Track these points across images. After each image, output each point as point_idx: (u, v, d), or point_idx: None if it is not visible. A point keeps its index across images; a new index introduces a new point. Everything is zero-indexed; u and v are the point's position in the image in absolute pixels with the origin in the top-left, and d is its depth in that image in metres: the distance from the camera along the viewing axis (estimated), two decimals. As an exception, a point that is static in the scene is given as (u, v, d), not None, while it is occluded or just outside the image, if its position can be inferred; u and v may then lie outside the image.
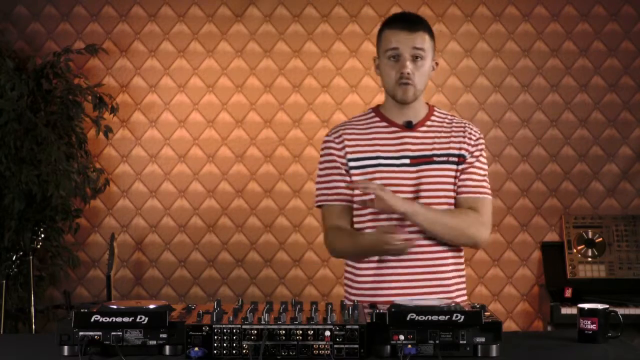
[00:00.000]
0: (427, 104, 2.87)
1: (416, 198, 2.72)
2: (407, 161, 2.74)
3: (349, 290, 2.86)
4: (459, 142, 2.79)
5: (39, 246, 4.17)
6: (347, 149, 2.78)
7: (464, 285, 2.87)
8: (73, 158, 4.43)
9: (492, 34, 4.66)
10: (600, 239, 4.53)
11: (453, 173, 2.77)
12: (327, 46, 4.65)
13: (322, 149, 2.84)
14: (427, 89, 4.60)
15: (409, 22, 2.72)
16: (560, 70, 4.66)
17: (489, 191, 2.83)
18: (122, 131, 4.66)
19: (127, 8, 4.66)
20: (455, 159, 2.77)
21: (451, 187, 2.77)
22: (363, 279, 2.80)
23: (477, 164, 2.81)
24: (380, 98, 4.61)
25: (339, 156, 2.79)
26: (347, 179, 2.78)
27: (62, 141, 4.38)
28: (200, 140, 4.66)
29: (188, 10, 4.66)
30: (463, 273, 2.87)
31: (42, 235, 4.17)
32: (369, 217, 2.76)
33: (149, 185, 4.67)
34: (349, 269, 2.88)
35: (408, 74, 2.68)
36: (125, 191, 4.67)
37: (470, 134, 2.81)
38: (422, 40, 2.70)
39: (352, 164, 2.77)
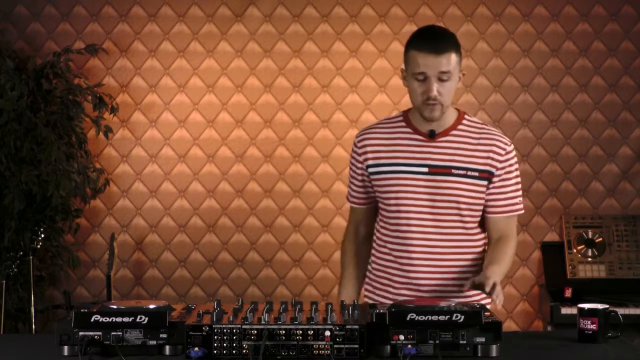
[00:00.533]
0: (459, 110, 2.85)
1: (430, 207, 2.76)
2: (426, 170, 2.75)
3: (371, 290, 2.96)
4: (485, 158, 2.76)
5: (39, 246, 4.17)
6: (368, 155, 2.84)
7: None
8: (73, 158, 4.43)
9: (492, 34, 4.66)
10: (600, 239, 4.53)
11: (473, 187, 2.76)
12: (327, 46, 4.65)
13: (352, 149, 2.92)
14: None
15: (436, 42, 2.69)
16: (560, 70, 4.66)
17: (520, 205, 2.85)
18: (122, 131, 4.66)
19: (127, 8, 4.66)
20: (477, 174, 2.75)
21: (468, 200, 2.76)
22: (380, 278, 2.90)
23: (507, 180, 2.79)
24: (380, 98, 4.61)
25: (359, 161, 2.87)
26: (362, 183, 2.89)
27: (62, 141, 4.38)
28: (200, 140, 4.67)
29: (188, 10, 4.66)
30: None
31: (42, 235, 4.17)
32: (394, 221, 2.83)
33: (149, 185, 4.67)
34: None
35: (435, 96, 2.69)
36: (125, 191, 4.67)
37: (498, 147, 2.78)
38: (448, 62, 2.68)
39: (371, 169, 2.84)
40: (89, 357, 2.23)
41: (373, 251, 2.95)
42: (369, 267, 2.98)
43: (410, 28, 4.60)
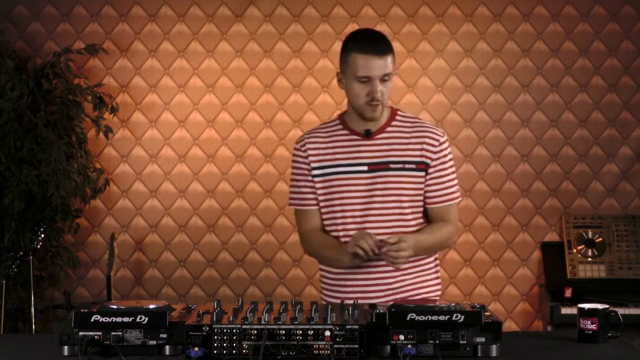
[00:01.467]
0: (392, 107, 2.95)
1: (370, 203, 2.84)
2: (365, 168, 2.85)
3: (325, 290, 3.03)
4: (419, 150, 2.86)
5: (39, 246, 4.17)
6: (311, 158, 2.93)
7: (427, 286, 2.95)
8: (73, 158, 4.43)
9: (492, 34, 4.66)
10: (600, 239, 4.53)
11: (411, 179, 2.85)
12: (327, 46, 4.65)
13: (293, 155, 3.01)
14: (427, 90, 4.63)
15: (377, 45, 2.79)
16: (560, 70, 4.66)
17: (457, 194, 2.94)
18: (122, 131, 4.66)
19: (127, 8, 4.66)
20: (414, 166, 2.85)
21: (407, 192, 2.85)
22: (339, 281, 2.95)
23: (442, 170, 2.88)
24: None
25: (305, 163, 2.95)
26: (313, 184, 2.93)
27: (62, 141, 4.38)
28: (200, 140, 4.67)
29: (188, 10, 4.66)
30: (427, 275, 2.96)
31: (42, 235, 4.17)
32: (340, 221, 2.89)
33: (149, 185, 4.67)
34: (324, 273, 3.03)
35: (379, 97, 2.79)
36: (125, 191, 4.67)
37: (432, 139, 2.87)
38: (390, 63, 2.79)
39: (315, 172, 2.92)
40: (89, 357, 2.23)
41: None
42: (323, 274, 3.02)
43: (410, 28, 4.61)
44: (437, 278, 2.99)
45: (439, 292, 2.99)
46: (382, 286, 2.86)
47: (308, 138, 2.97)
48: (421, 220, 2.92)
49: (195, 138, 4.66)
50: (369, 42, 2.81)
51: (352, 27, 4.63)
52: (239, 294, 4.64)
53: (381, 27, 4.61)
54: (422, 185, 2.87)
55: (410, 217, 2.88)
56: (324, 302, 2.98)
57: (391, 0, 4.63)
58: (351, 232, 2.85)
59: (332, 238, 2.93)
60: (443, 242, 2.93)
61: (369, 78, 2.78)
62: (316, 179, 2.92)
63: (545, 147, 4.67)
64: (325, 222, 2.94)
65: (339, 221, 2.89)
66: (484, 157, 4.67)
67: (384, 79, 2.79)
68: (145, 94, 4.66)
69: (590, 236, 4.54)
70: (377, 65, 2.77)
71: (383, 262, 2.81)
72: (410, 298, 2.84)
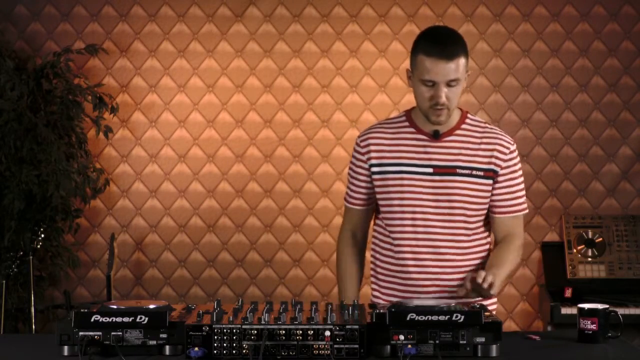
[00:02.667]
0: (461, 109, 2.84)
1: (435, 207, 2.75)
2: (431, 170, 2.75)
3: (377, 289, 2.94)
4: (489, 157, 2.76)
5: (39, 246, 4.17)
6: (372, 154, 2.82)
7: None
8: (73, 158, 4.43)
9: (492, 34, 4.66)
10: (600, 239, 4.53)
11: (478, 187, 2.76)
12: (327, 46, 4.65)
13: (353, 150, 2.90)
14: (427, 89, 4.62)
15: (446, 48, 2.65)
16: (560, 70, 4.66)
17: (525, 205, 2.86)
18: (122, 131, 4.66)
19: (127, 8, 4.65)
20: (482, 173, 2.75)
21: (473, 199, 2.76)
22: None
23: (511, 179, 2.80)
24: (380, 98, 4.61)
25: (362, 161, 2.84)
26: (365, 184, 2.86)
27: (62, 141, 4.38)
28: (200, 140, 4.66)
29: (188, 10, 4.66)
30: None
31: (42, 235, 4.17)
32: (397, 222, 2.81)
33: (149, 185, 4.67)
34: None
35: (444, 102, 2.68)
36: (125, 191, 4.67)
37: (502, 146, 2.78)
38: (457, 68, 2.66)
39: (374, 169, 2.82)
40: (89, 357, 2.23)
41: (375, 254, 2.93)
42: (373, 270, 2.95)
43: (411, 28, 4.61)
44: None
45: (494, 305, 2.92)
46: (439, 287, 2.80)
47: (371, 133, 2.84)
48: (483, 229, 2.84)
49: (195, 138, 4.66)
50: (437, 44, 2.66)
51: (352, 27, 4.63)
52: (239, 294, 4.64)
53: (381, 27, 4.61)
54: (488, 194, 2.78)
55: (473, 225, 2.80)
56: (379, 302, 2.88)
57: (391, 0, 4.63)
58: (408, 235, 2.77)
59: (354, 266, 2.93)
60: (517, 263, 2.87)
61: (434, 82, 2.66)
62: (375, 177, 2.81)
63: (545, 147, 4.67)
64: (385, 221, 2.83)
65: (396, 222, 2.80)
66: (484, 157, 4.66)
67: (450, 84, 2.66)
68: (145, 94, 4.66)
69: (590, 236, 4.54)
70: (443, 70, 2.64)
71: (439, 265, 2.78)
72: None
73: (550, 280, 4.51)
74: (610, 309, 2.46)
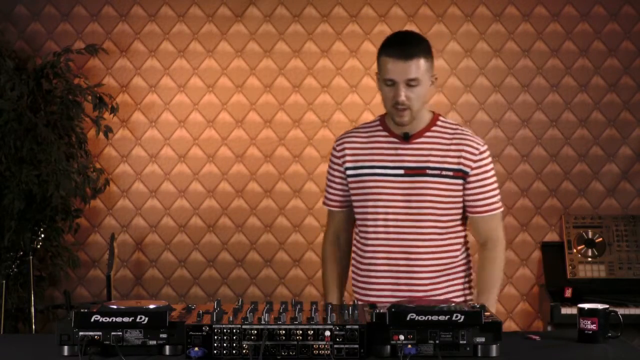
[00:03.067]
0: (433, 112, 2.92)
1: (406, 207, 2.82)
2: (402, 172, 2.83)
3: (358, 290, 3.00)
4: (458, 157, 2.83)
5: (39, 246, 4.17)
6: (347, 158, 2.91)
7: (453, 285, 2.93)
8: (73, 158, 4.43)
9: (492, 34, 4.66)
10: (600, 239, 4.53)
11: (447, 187, 2.83)
12: (327, 46, 4.65)
13: (330, 154, 3.00)
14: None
15: (404, 49, 2.76)
16: (560, 70, 4.66)
17: (499, 203, 2.93)
18: (122, 131, 4.66)
19: (127, 8, 4.65)
20: (451, 173, 2.82)
21: (443, 199, 2.83)
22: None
23: (484, 180, 2.87)
24: (380, 98, 4.60)
25: (338, 164, 2.94)
26: (341, 186, 2.96)
27: (62, 141, 4.38)
28: (200, 140, 4.66)
29: (188, 10, 4.66)
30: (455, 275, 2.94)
31: (42, 235, 4.17)
32: (371, 223, 2.88)
33: (149, 185, 4.67)
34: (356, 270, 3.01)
35: (403, 101, 2.76)
36: (125, 191, 4.67)
37: (471, 147, 2.84)
38: (417, 68, 2.75)
39: (349, 172, 2.91)
40: (89, 357, 2.23)
41: (355, 256, 2.99)
42: (354, 271, 3.01)
43: (410, 28, 4.60)
44: (468, 284, 2.97)
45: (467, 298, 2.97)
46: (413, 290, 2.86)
47: (346, 138, 2.95)
48: (456, 229, 2.90)
49: (195, 138, 4.66)
50: (396, 45, 2.78)
51: (352, 27, 4.64)
52: (239, 294, 4.64)
53: (381, 27, 4.61)
54: (459, 194, 2.85)
55: (445, 224, 2.85)
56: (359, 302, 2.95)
57: (391, 0, 4.63)
58: (381, 235, 2.85)
59: (336, 270, 3.02)
60: (501, 273, 2.93)
61: (394, 81, 2.76)
62: (350, 179, 2.91)
63: (545, 147, 4.67)
64: (358, 223, 2.94)
65: (370, 223, 2.88)
66: (484, 157, 4.66)
67: (409, 83, 2.75)
68: (145, 94, 4.66)
69: (590, 236, 4.54)
70: (401, 69, 2.74)
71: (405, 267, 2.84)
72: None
73: (550, 280, 4.51)
74: (610, 309, 2.46)
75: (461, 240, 2.93)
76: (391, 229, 2.84)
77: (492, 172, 2.91)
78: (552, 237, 4.67)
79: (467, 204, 2.88)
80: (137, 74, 4.65)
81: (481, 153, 2.86)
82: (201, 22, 4.65)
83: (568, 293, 4.31)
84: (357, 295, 2.98)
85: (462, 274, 2.94)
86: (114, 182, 4.66)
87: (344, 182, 2.94)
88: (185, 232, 4.67)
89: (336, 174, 2.96)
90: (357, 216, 2.93)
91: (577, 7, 4.65)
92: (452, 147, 2.84)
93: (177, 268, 4.68)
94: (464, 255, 2.95)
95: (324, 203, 3.06)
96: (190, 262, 4.67)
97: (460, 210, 2.89)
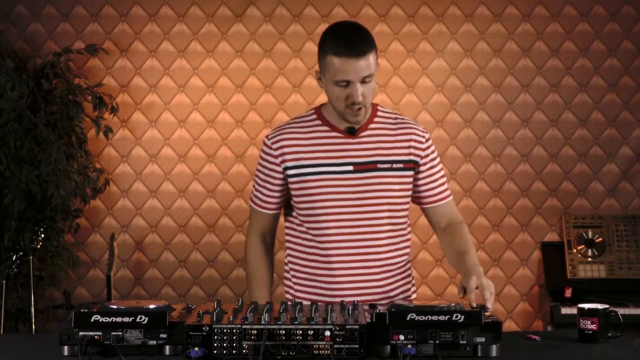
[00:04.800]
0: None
1: (359, 205, 2.70)
2: (351, 168, 2.69)
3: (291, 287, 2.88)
4: (407, 147, 2.74)
5: (39, 246, 4.17)
6: (286, 156, 2.72)
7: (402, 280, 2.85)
8: (73, 158, 4.43)
9: (492, 34, 4.66)
10: (600, 239, 4.53)
11: (400, 179, 2.73)
12: (327, 46, 4.64)
13: (261, 151, 2.79)
14: (427, 89, 4.63)
15: (355, 45, 2.57)
16: (560, 70, 4.66)
17: (448, 191, 2.85)
18: (122, 131, 4.66)
19: (127, 8, 4.66)
20: (402, 165, 2.72)
21: (398, 193, 2.73)
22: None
23: (434, 168, 2.80)
24: (380, 98, 4.61)
25: (275, 164, 2.75)
26: (279, 187, 2.77)
27: (62, 141, 4.38)
28: (200, 140, 4.67)
29: (188, 10, 4.66)
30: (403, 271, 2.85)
31: (42, 235, 4.16)
32: (323, 225, 2.73)
33: (149, 185, 4.67)
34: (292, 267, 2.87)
35: (361, 101, 2.61)
36: (125, 191, 4.67)
37: (418, 136, 2.76)
38: (370, 64, 2.58)
39: (290, 172, 2.73)
40: (89, 357, 2.23)
41: (293, 257, 2.84)
42: (290, 273, 2.87)
43: (411, 28, 4.61)
44: (409, 277, 2.87)
45: (410, 294, 2.87)
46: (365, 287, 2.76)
47: (283, 134, 2.73)
48: (406, 224, 2.81)
49: (195, 138, 4.66)
50: (346, 42, 2.57)
51: (352, 27, 4.63)
52: (239, 294, 4.64)
53: (381, 27, 4.61)
54: (410, 186, 2.76)
55: (399, 220, 2.77)
56: (291, 300, 2.85)
57: (391, 0, 4.63)
58: (333, 237, 2.71)
59: (264, 270, 2.85)
60: (470, 238, 2.83)
61: (348, 82, 2.58)
62: (292, 179, 2.72)
63: (545, 147, 4.67)
64: (306, 225, 2.76)
65: (322, 225, 2.72)
66: (484, 157, 4.67)
67: (364, 80, 2.59)
68: (145, 94, 4.66)
69: (590, 236, 4.54)
70: (356, 68, 2.56)
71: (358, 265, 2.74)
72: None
73: (550, 280, 4.51)
74: (610, 309, 2.46)
75: (410, 236, 2.85)
76: (345, 229, 2.70)
77: (439, 159, 2.81)
78: (552, 237, 4.67)
79: (421, 194, 2.78)
80: (137, 74, 4.66)
81: (427, 140, 2.77)
82: (201, 22, 4.65)
83: (568, 293, 4.31)
84: (300, 295, 2.82)
85: (410, 270, 2.88)
86: (114, 182, 4.66)
87: (281, 182, 2.75)
88: (185, 232, 4.67)
89: (272, 174, 2.75)
90: (302, 217, 2.75)
91: (577, 7, 4.66)
92: (399, 137, 2.73)
93: (177, 268, 4.68)
94: (409, 249, 2.86)
95: (253, 202, 2.83)
96: (190, 262, 4.67)
97: (409, 204, 2.79)
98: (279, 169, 2.74)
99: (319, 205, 2.71)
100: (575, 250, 4.51)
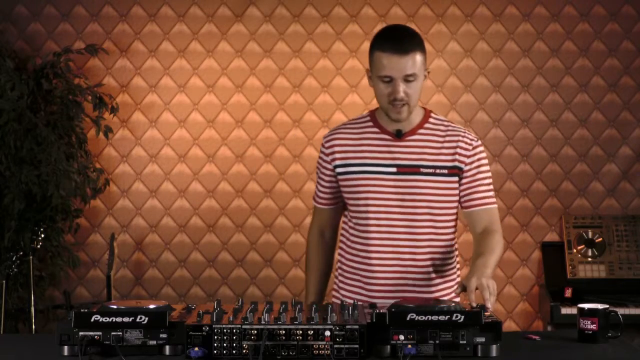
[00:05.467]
0: (425, 108, 2.86)
1: (400, 207, 2.76)
2: (394, 170, 2.76)
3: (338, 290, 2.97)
4: (452, 154, 2.77)
5: (39, 246, 4.17)
6: (336, 155, 2.84)
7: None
8: (73, 158, 4.43)
9: (492, 34, 4.66)
10: (600, 239, 4.53)
11: (443, 185, 2.77)
12: (327, 46, 4.65)
13: (320, 151, 2.92)
14: (427, 89, 4.62)
15: (401, 44, 2.68)
16: (560, 70, 4.67)
17: (493, 199, 2.85)
18: (122, 131, 4.66)
19: (127, 8, 4.65)
20: (446, 171, 2.76)
21: (438, 197, 2.77)
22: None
23: (479, 174, 2.80)
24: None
25: (327, 162, 2.87)
26: (331, 184, 2.89)
27: (62, 141, 4.38)
28: (200, 140, 4.67)
29: (188, 10, 4.66)
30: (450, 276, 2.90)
31: (42, 235, 4.16)
32: (363, 222, 2.83)
33: (149, 185, 4.67)
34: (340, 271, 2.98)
35: (402, 97, 2.68)
36: (125, 191, 4.67)
37: (465, 143, 2.78)
38: (414, 63, 2.67)
39: (339, 170, 2.84)
40: (89, 357, 2.23)
41: (342, 252, 2.95)
42: (338, 270, 2.98)
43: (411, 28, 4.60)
44: (449, 282, 2.90)
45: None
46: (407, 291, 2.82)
47: (336, 134, 2.86)
48: (450, 229, 2.85)
49: (195, 138, 4.67)
50: (392, 40, 2.70)
51: (352, 27, 4.64)
52: (239, 294, 4.64)
53: (381, 27, 4.60)
54: (454, 192, 2.79)
55: (441, 224, 2.80)
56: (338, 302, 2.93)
57: (391, 0, 4.63)
58: (373, 234, 2.79)
59: (319, 265, 3.00)
60: (501, 247, 2.82)
61: (391, 78, 2.67)
62: (340, 177, 2.83)
63: (545, 147, 4.67)
64: (354, 221, 2.86)
65: (362, 222, 2.82)
66: (484, 157, 4.66)
67: (407, 79, 2.67)
68: (145, 94, 4.66)
69: (590, 236, 4.54)
70: (399, 64, 2.66)
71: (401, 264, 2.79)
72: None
73: (550, 280, 4.51)
74: (610, 309, 2.46)
75: (454, 241, 2.89)
76: (383, 228, 2.78)
77: (487, 168, 2.83)
78: (552, 237, 4.67)
79: (463, 198, 2.81)
80: (137, 74, 4.66)
81: (475, 148, 2.79)
82: (201, 22, 4.65)
83: (568, 293, 4.31)
84: (337, 295, 2.93)
85: (454, 276, 2.90)
86: (114, 182, 4.66)
87: (333, 179, 2.87)
88: (185, 232, 4.67)
89: (325, 171, 2.88)
90: (351, 214, 2.86)
91: (577, 7, 4.66)
92: (446, 144, 2.78)
93: (177, 268, 4.68)
94: (455, 255, 2.91)
95: (313, 199, 3.00)
96: (190, 262, 4.67)
97: (455, 210, 2.84)
98: (330, 166, 2.86)
99: (362, 203, 2.80)
100: (575, 250, 4.51)
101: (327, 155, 2.86)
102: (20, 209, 4.22)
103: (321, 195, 2.94)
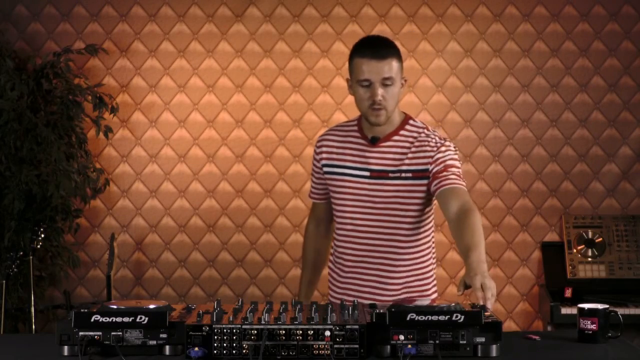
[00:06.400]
0: (406, 115, 2.96)
1: (367, 208, 2.89)
2: (368, 174, 2.90)
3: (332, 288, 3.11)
4: (418, 158, 2.86)
5: (39, 246, 4.17)
6: (323, 155, 3.01)
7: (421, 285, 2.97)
8: (73, 158, 4.43)
9: (492, 34, 4.66)
10: (600, 239, 4.53)
11: (409, 188, 2.86)
12: (327, 46, 4.65)
13: (314, 149, 3.10)
14: (427, 90, 4.63)
15: (378, 49, 2.83)
16: (560, 70, 4.67)
17: (463, 183, 2.82)
18: (122, 131, 4.66)
19: (127, 8, 4.66)
20: (410, 174, 2.85)
21: (406, 200, 2.87)
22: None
23: (447, 167, 2.81)
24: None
25: (317, 160, 3.05)
26: (321, 181, 3.06)
27: (62, 141, 4.38)
28: (200, 140, 4.67)
29: (188, 10, 4.66)
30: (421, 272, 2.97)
31: (42, 235, 4.17)
32: (339, 220, 2.99)
33: (149, 185, 4.67)
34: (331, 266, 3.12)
35: (380, 100, 2.80)
36: (125, 191, 4.67)
37: (430, 146, 2.85)
38: (390, 68, 2.80)
39: (325, 169, 3.01)
40: (89, 357, 2.23)
41: (332, 247, 3.10)
42: (330, 263, 3.12)
43: (411, 28, 4.61)
44: (420, 286, 2.98)
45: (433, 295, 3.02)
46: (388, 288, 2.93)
47: (325, 136, 3.05)
48: (423, 228, 2.92)
49: (195, 138, 4.67)
50: (370, 47, 2.86)
51: (352, 27, 4.64)
52: (239, 294, 4.64)
53: (381, 27, 4.61)
54: (422, 194, 2.87)
55: (411, 225, 2.89)
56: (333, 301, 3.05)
57: (391, 0, 4.63)
58: (349, 236, 2.95)
59: (311, 255, 3.18)
60: (481, 227, 2.72)
61: (369, 81, 2.80)
62: (326, 176, 3.01)
63: (545, 147, 4.67)
64: (336, 220, 3.02)
65: (339, 220, 2.99)
66: (484, 157, 4.67)
67: (385, 83, 2.79)
68: (145, 94, 4.66)
69: (590, 236, 4.54)
70: (376, 68, 2.79)
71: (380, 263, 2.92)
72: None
73: (550, 280, 4.51)
74: (610, 309, 2.46)
75: (429, 241, 2.97)
76: (359, 228, 2.92)
77: (456, 163, 2.83)
78: (552, 237, 4.67)
79: (433, 187, 2.81)
80: (137, 74, 4.66)
81: (440, 147, 2.84)
82: (201, 22, 4.65)
83: (568, 293, 4.31)
84: (331, 292, 3.09)
85: (430, 274, 2.99)
86: (114, 182, 4.66)
87: (322, 177, 3.03)
88: (185, 232, 4.67)
89: (316, 169, 3.06)
90: (334, 212, 3.02)
91: (577, 7, 4.66)
92: (413, 149, 2.87)
93: (177, 268, 4.68)
94: (431, 256, 3.00)
95: (309, 195, 3.18)
96: (190, 262, 4.67)
97: (426, 214, 2.91)
98: (319, 165, 3.04)
99: (340, 203, 2.96)
100: (575, 250, 4.51)
101: (317, 154, 3.04)
102: (20, 209, 4.22)
103: (314, 190, 3.12)
